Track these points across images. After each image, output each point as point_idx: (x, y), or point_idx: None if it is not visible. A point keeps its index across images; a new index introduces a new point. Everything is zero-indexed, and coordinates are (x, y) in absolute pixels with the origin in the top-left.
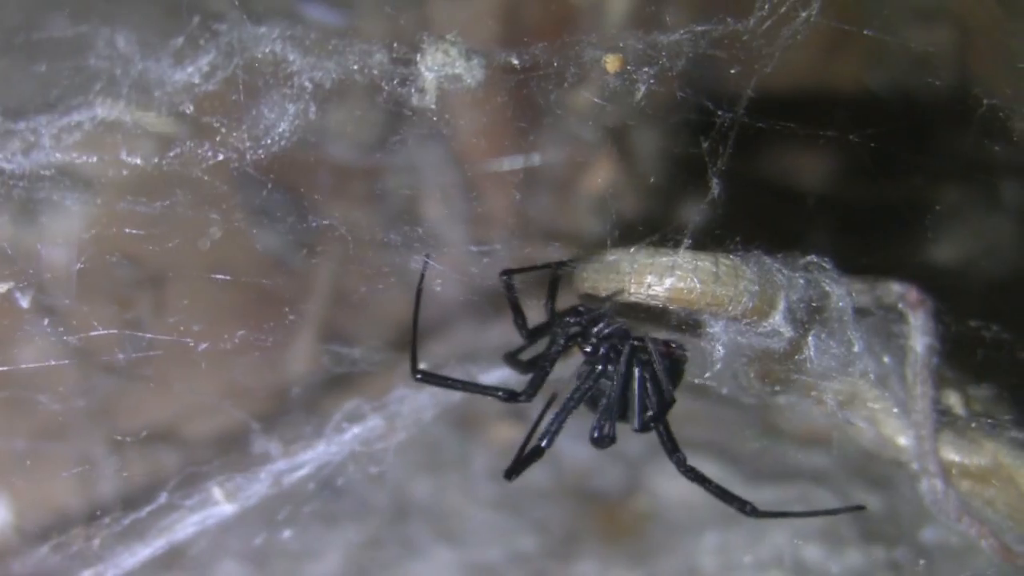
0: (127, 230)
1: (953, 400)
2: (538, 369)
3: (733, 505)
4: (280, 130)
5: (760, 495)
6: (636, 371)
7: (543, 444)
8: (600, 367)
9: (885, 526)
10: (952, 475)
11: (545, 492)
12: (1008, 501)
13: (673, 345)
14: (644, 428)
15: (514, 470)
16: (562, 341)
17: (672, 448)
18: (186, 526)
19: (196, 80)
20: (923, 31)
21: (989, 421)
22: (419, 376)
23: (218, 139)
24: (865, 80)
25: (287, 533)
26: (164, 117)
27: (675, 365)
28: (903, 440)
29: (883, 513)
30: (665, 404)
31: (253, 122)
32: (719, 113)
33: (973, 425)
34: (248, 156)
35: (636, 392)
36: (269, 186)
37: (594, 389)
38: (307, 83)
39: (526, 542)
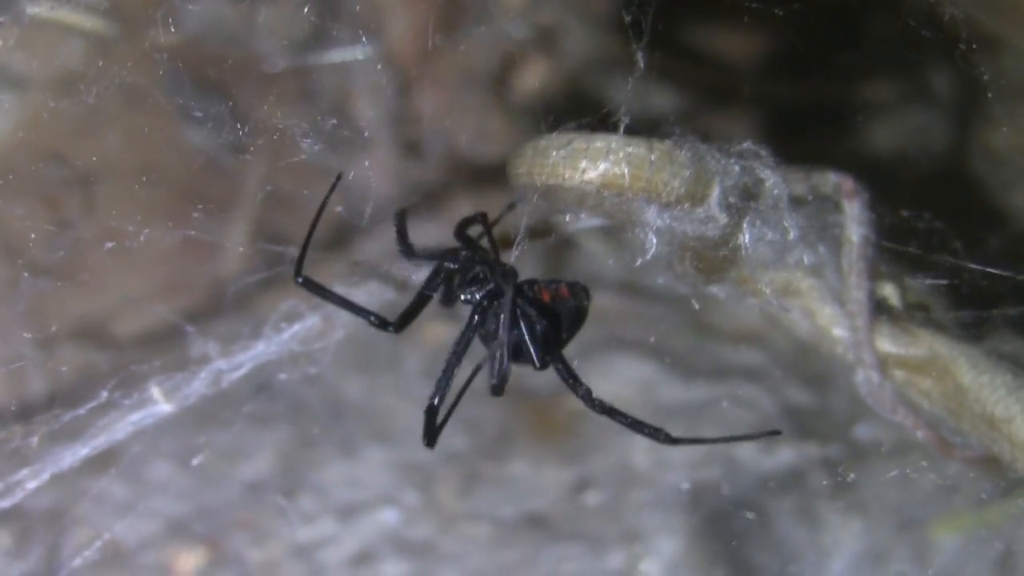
0: (56, 129)
1: (888, 291)
2: (412, 302)
3: (646, 434)
4: None
5: (693, 393)
6: (519, 321)
7: (435, 402)
8: (478, 319)
9: (818, 423)
10: (888, 366)
11: (477, 392)
12: (944, 392)
13: (572, 287)
14: (542, 366)
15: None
16: (438, 282)
17: (575, 384)
18: (125, 425)
19: None
20: None
21: (925, 313)
22: (300, 281)
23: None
24: None
25: (222, 433)
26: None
27: (575, 309)
28: (838, 331)
29: (816, 410)
30: (552, 348)
31: None
32: None
33: (909, 316)
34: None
35: (524, 337)
36: (198, 84)
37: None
38: None
39: (458, 441)
